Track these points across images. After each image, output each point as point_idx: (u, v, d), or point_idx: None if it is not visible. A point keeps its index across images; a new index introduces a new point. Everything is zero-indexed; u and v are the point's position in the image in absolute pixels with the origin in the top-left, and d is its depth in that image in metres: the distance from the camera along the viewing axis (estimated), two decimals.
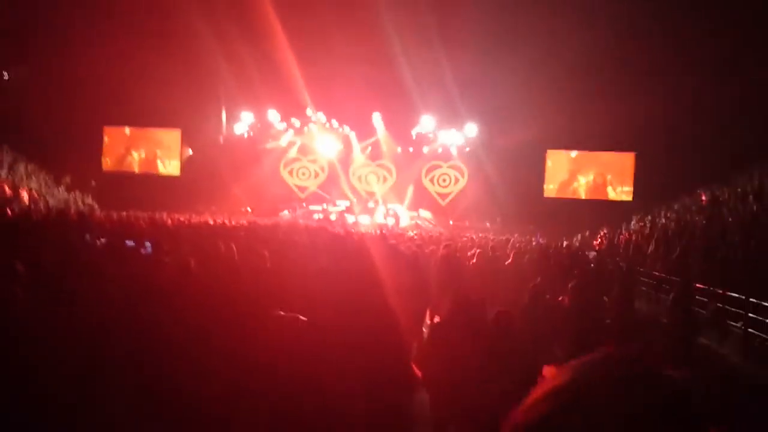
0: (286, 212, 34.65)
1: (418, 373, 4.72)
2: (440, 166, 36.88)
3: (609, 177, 35.20)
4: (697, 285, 10.63)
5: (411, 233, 21.80)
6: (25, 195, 25.85)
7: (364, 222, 32.48)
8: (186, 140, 37.22)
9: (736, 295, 9.92)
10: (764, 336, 9.02)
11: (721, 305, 10.43)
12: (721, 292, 10.46)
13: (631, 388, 0.84)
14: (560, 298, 7.21)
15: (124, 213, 21.21)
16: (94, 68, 30.01)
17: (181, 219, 19.96)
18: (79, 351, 4.21)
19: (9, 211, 13.98)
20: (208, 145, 36.17)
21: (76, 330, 4.40)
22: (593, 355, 0.92)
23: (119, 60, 28.98)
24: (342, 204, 36.43)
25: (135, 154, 37.49)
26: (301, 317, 4.29)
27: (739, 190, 20.90)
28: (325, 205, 36.28)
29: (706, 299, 10.75)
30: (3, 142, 30.26)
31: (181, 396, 4.08)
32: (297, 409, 4.33)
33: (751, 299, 9.42)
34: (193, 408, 4.09)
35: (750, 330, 9.40)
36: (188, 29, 28.78)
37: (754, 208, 16.67)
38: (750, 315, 9.41)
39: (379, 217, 34.60)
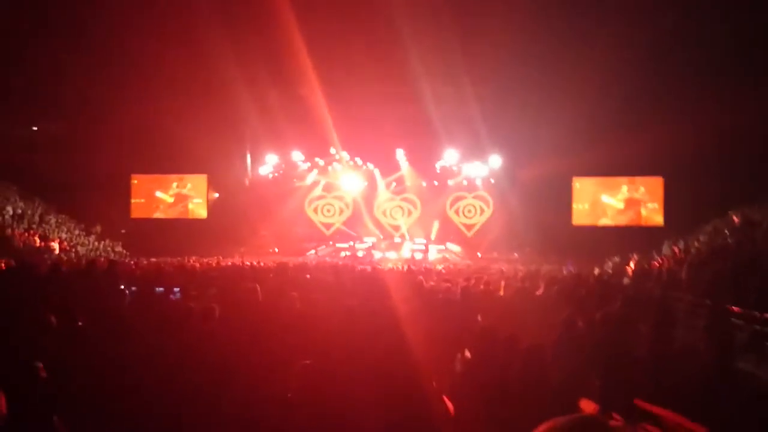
0: (312, 252, 34.72)
1: (451, 409, 4.63)
2: (465, 197, 36.80)
3: (638, 202, 34.76)
4: (732, 308, 10.36)
5: (439, 267, 21.72)
6: (55, 245, 26.27)
7: (392, 257, 32.42)
8: (212, 184, 37.72)
9: None
10: None
11: (759, 328, 10.13)
12: (757, 314, 10.17)
13: None
14: (592, 329, 7.06)
15: (154, 259, 21.47)
16: (121, 117, 30.71)
17: (210, 262, 20.12)
18: (107, 397, 4.22)
19: (40, 263, 14.20)
20: (234, 188, 36.61)
21: (105, 379, 4.42)
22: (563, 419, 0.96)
23: (146, 109, 29.59)
24: (369, 240, 36.46)
25: (162, 200, 38.03)
26: (325, 366, 4.25)
27: None
28: (352, 242, 36.34)
29: (741, 323, 10.46)
30: (34, 195, 30.94)
31: None
32: None
33: None
34: None
35: None
36: (211, 74, 29.33)
37: None
38: None
39: (406, 253, 34.51)
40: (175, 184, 38.18)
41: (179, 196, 38.15)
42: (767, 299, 10.61)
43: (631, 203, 34.90)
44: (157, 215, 37.90)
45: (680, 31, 25.55)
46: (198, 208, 38.05)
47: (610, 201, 35.15)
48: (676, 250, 22.44)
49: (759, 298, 11.08)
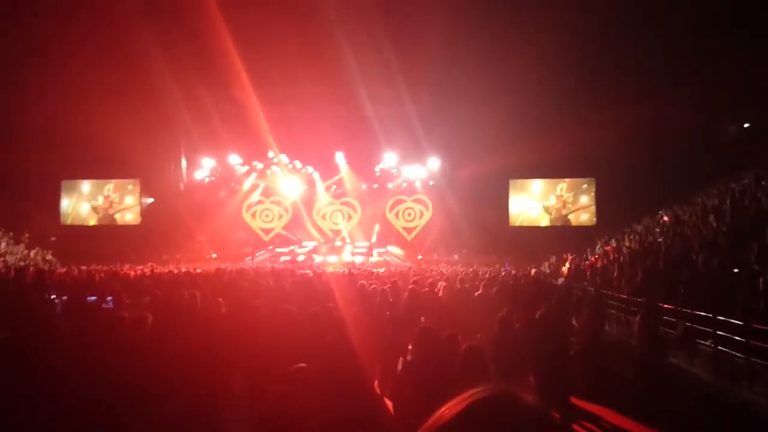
0: (248, 258, 34.24)
1: (391, 410, 4.62)
2: (404, 201, 36.99)
3: (571, 203, 35.67)
4: (664, 305, 10.68)
5: (380, 270, 21.72)
6: None
7: (332, 261, 32.30)
8: (145, 189, 36.83)
9: (704, 314, 9.96)
10: (733, 353, 9.05)
11: (689, 324, 10.47)
12: (689, 311, 10.50)
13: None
14: (529, 327, 7.18)
15: (85, 267, 20.78)
16: (50, 121, 29.58)
17: (144, 270, 19.60)
18: (35, 407, 4.07)
19: None
20: (168, 193, 35.74)
21: (33, 387, 4.26)
22: (474, 392, 0.97)
23: (75, 111, 28.59)
24: (309, 244, 36.23)
25: (94, 207, 36.95)
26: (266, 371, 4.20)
27: (698, 209, 21.28)
28: (292, 247, 36.04)
29: (674, 319, 10.79)
30: None
31: None
32: None
33: (718, 317, 9.47)
34: None
35: (720, 348, 9.43)
36: (144, 77, 28.63)
37: (715, 225, 16.96)
38: (719, 333, 9.45)
39: (346, 256, 34.45)
40: (106, 190, 37.12)
41: (111, 201, 37.10)
42: (697, 296, 10.98)
43: (565, 204, 35.78)
44: (89, 222, 36.78)
45: (611, 34, 26.36)
46: (131, 214, 37.10)
47: (546, 202, 35.96)
48: (609, 249, 23.11)
49: (689, 294, 11.47)
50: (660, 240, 18.88)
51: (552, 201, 35.85)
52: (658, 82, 27.39)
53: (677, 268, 13.59)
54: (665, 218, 23.59)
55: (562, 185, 35.76)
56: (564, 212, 35.66)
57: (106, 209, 37.01)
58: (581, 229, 33.39)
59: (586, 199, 35.37)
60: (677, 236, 18.09)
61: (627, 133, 26.28)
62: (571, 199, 35.68)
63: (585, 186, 35.36)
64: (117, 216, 37.13)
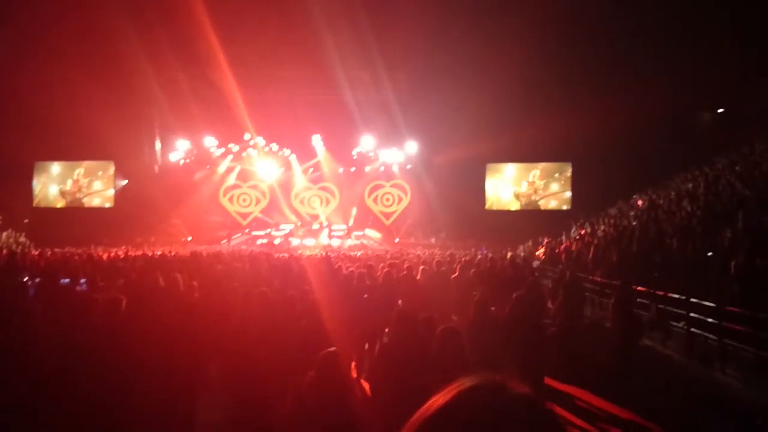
0: (224, 241, 33.99)
1: (368, 392, 4.62)
2: (383, 186, 36.97)
3: (548, 187, 35.96)
4: (638, 288, 10.81)
5: (357, 253, 21.72)
6: None
7: (309, 244, 32.24)
8: (119, 171, 36.39)
9: (677, 296, 10.11)
10: (706, 335, 9.21)
11: (662, 306, 10.62)
12: (662, 293, 10.64)
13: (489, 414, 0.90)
14: (505, 309, 7.22)
15: (59, 250, 20.51)
16: (22, 102, 28.97)
17: (118, 252, 19.39)
18: (7, 391, 4.02)
19: None
20: (143, 175, 35.32)
21: (5, 370, 4.20)
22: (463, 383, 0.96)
23: (47, 93, 28.07)
24: (286, 227, 36.10)
25: (62, 191, 36.46)
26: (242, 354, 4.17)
27: (672, 193, 21.53)
28: (268, 230, 35.88)
29: (647, 302, 10.94)
30: None
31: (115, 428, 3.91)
32: None
33: (691, 299, 9.61)
34: None
35: (692, 329, 9.59)
36: (118, 57, 28.15)
37: (689, 209, 17.17)
38: (691, 315, 9.60)
39: (324, 239, 34.40)
40: (76, 173, 36.60)
41: (80, 186, 36.62)
42: (671, 278, 11.13)
43: (536, 190, 36.10)
44: (62, 204, 36.29)
45: (588, 23, 26.46)
46: (98, 199, 36.66)
47: (517, 188, 36.23)
48: (583, 232, 23.32)
49: (663, 277, 11.62)
50: (634, 224, 19.08)
51: (524, 187, 36.14)
52: (634, 69, 27.64)
53: (651, 252, 13.75)
54: (639, 202, 23.85)
55: (536, 171, 36.04)
56: (534, 198, 35.97)
57: (74, 193, 36.52)
58: (557, 213, 33.69)
59: (556, 187, 35.71)
60: (651, 220, 18.28)
61: (604, 119, 26.46)
62: (542, 186, 35.98)
63: (557, 174, 35.67)
64: (85, 200, 36.68)
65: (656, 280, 11.64)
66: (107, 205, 36.49)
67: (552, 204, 35.78)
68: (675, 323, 10.31)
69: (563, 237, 25.39)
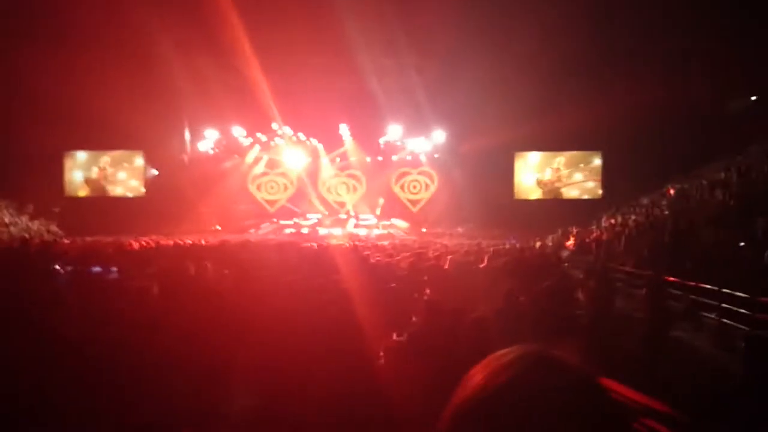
0: (252, 230, 34.24)
1: (396, 383, 4.61)
2: (410, 173, 36.88)
3: (577, 176, 35.57)
4: (669, 279, 10.67)
5: (384, 242, 21.74)
6: None
7: (337, 233, 32.33)
8: (149, 160, 36.80)
9: (709, 287, 9.96)
10: (738, 326, 9.05)
11: (694, 297, 10.47)
12: (693, 284, 10.49)
13: (544, 384, 0.89)
14: (534, 300, 7.15)
15: (89, 238, 20.83)
16: (52, 92, 29.40)
17: (149, 241, 19.62)
18: (40, 377, 4.08)
19: None
20: (172, 165, 35.68)
21: (38, 357, 4.27)
22: (510, 351, 0.97)
23: (78, 83, 28.43)
24: (313, 217, 36.24)
25: (97, 178, 36.95)
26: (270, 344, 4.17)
27: (704, 182, 21.17)
28: (296, 219, 36.07)
29: (679, 292, 10.79)
30: None
31: (143, 416, 3.95)
32: (266, 427, 4.20)
33: (723, 290, 9.46)
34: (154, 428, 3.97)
35: (724, 320, 9.44)
36: (148, 47, 28.41)
37: (721, 199, 16.89)
38: (723, 306, 9.45)
39: (351, 229, 34.47)
40: (102, 162, 37.07)
41: (105, 174, 37.09)
42: (703, 269, 10.96)
43: (560, 178, 35.71)
44: (92, 194, 36.82)
45: (620, 6, 26.04)
46: (128, 186, 37.11)
47: (551, 175, 35.84)
48: (614, 222, 23.06)
49: (694, 268, 11.45)
50: (666, 213, 18.81)
51: (547, 174, 35.76)
52: (666, 56, 27.13)
53: (683, 242, 13.55)
54: (671, 192, 23.49)
55: (561, 159, 35.66)
56: (569, 185, 35.58)
57: (98, 181, 36.96)
58: (587, 203, 33.33)
59: (580, 176, 35.28)
60: (683, 210, 18.01)
61: (635, 107, 26.06)
62: (567, 174, 35.59)
63: (582, 165, 35.26)
64: (109, 188, 37.10)
65: (688, 271, 11.47)
66: (130, 194, 36.90)
67: (573, 193, 35.39)
68: (706, 314, 10.16)
69: (594, 227, 25.13)
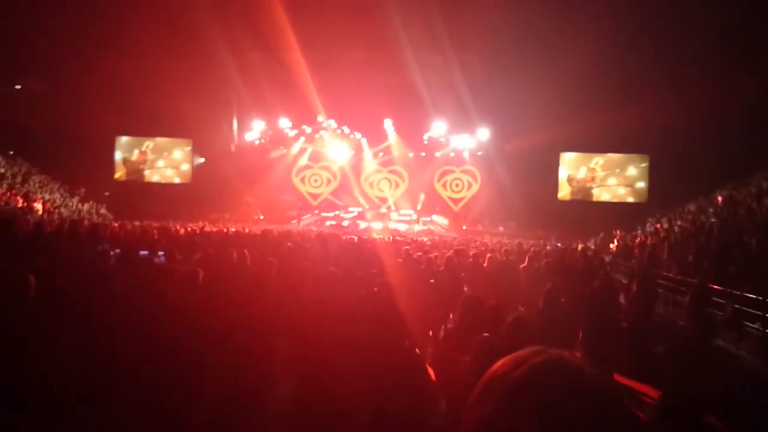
0: (294, 221, 34.61)
1: (433, 377, 4.65)
2: (453, 171, 36.72)
3: (623, 179, 35.00)
4: (714, 287, 10.46)
5: (424, 238, 21.75)
6: (38, 206, 25.93)
7: (377, 227, 32.45)
8: (197, 149, 37.46)
9: (754, 296, 9.74)
10: None
11: (738, 306, 10.25)
12: (738, 293, 10.27)
13: (556, 387, 0.90)
14: (575, 302, 7.12)
15: (138, 223, 21.32)
16: (107, 79, 30.17)
17: (194, 228, 20.03)
18: (87, 358, 4.20)
19: (22, 223, 14.03)
20: (219, 154, 36.29)
21: (85, 337, 4.39)
22: (525, 352, 0.97)
23: (131, 70, 29.10)
24: (354, 210, 36.44)
25: (147, 164, 37.73)
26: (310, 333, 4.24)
27: (753, 190, 20.65)
28: (337, 212, 36.32)
29: (723, 301, 10.58)
30: (16, 154, 30.51)
31: (186, 400, 4.06)
32: (303, 415, 4.28)
33: None
34: (195, 411, 4.08)
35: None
36: (199, 39, 28.89)
37: None
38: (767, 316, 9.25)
39: (391, 223, 34.55)
40: (144, 146, 37.78)
41: (164, 159, 37.86)
42: (748, 278, 10.72)
43: (616, 179, 35.14)
44: (142, 178, 37.63)
45: (672, 9, 25.48)
46: (182, 173, 37.78)
47: (596, 176, 35.33)
48: (659, 227, 22.63)
49: (740, 276, 11.20)
50: (713, 221, 18.40)
51: (603, 176, 35.24)
52: (716, 60, 26.42)
53: (729, 250, 13.25)
54: (720, 199, 22.95)
55: (599, 159, 35.14)
56: (615, 188, 35.03)
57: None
58: (632, 206, 32.78)
59: (638, 176, 34.66)
60: (730, 217, 17.59)
61: (683, 111, 25.48)
62: (622, 175, 35.02)
63: (638, 162, 34.63)
64: (146, 173, 37.81)
65: (733, 279, 11.24)
66: (186, 180, 37.54)
67: (632, 195, 34.79)
68: (750, 324, 9.94)
69: (638, 231, 24.72)
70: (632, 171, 34.87)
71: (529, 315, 6.01)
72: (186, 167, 37.77)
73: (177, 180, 37.63)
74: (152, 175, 37.86)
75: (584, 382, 0.92)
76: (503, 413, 0.91)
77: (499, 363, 0.98)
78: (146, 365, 4.28)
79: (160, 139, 37.59)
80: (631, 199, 34.51)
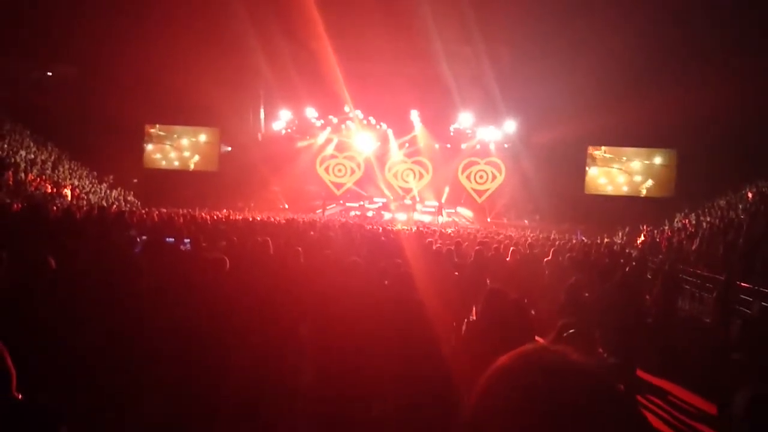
0: (319, 210, 34.75)
1: (456, 369, 4.67)
2: (477, 163, 36.52)
3: (650, 173, 34.59)
4: (741, 284, 10.33)
5: (448, 230, 21.71)
6: (67, 192, 26.33)
7: (401, 218, 32.45)
8: (224, 137, 37.74)
9: None
10: None
11: (765, 304, 10.11)
12: (765, 290, 10.13)
13: (554, 380, 0.90)
14: (598, 297, 7.07)
15: (165, 210, 21.56)
16: (136, 67, 30.51)
17: (220, 215, 20.21)
18: (113, 341, 4.27)
19: (52, 209, 14.27)
20: (246, 143, 36.52)
21: (110, 322, 4.46)
22: (525, 348, 0.98)
23: (160, 59, 29.38)
24: (379, 201, 36.46)
25: (175, 152, 38.13)
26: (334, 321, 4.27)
27: None
28: (362, 202, 36.37)
29: (750, 298, 10.45)
30: (46, 140, 31.00)
31: (211, 385, 4.12)
32: (326, 402, 4.33)
33: None
34: (220, 396, 4.14)
35: None
36: (228, 28, 29.07)
37: None
38: None
39: (415, 214, 34.52)
40: (187, 136, 38.22)
41: (191, 148, 38.24)
42: None
43: (644, 174, 34.74)
44: (169, 166, 38.03)
45: (701, 2, 25.04)
46: (209, 161, 38.12)
47: (623, 171, 34.94)
48: (687, 223, 22.34)
49: (767, 273, 11.04)
50: (742, 217, 18.10)
51: (630, 170, 34.97)
52: (746, 53, 25.89)
53: (759, 247, 13.05)
54: (750, 195, 22.56)
55: (642, 155, 34.79)
56: (642, 183, 34.71)
57: (186, 155, 38.14)
58: (659, 201, 32.34)
59: (666, 171, 34.31)
60: (760, 213, 17.30)
61: (712, 106, 25.05)
62: (650, 170, 34.66)
63: (666, 157, 34.22)
64: (173, 161, 38.28)
65: (761, 276, 11.07)
66: (213, 168, 37.85)
67: (659, 190, 34.35)
68: None
69: (665, 226, 24.42)
70: (660, 165, 34.42)
71: (552, 309, 5.99)
72: (213, 156, 38.09)
73: (204, 168, 37.96)
74: (179, 163, 38.27)
75: (574, 366, 0.93)
76: (500, 403, 0.93)
77: (504, 357, 1.00)
78: (172, 349, 4.35)
79: (187, 128, 37.95)
80: (658, 195, 34.06)
